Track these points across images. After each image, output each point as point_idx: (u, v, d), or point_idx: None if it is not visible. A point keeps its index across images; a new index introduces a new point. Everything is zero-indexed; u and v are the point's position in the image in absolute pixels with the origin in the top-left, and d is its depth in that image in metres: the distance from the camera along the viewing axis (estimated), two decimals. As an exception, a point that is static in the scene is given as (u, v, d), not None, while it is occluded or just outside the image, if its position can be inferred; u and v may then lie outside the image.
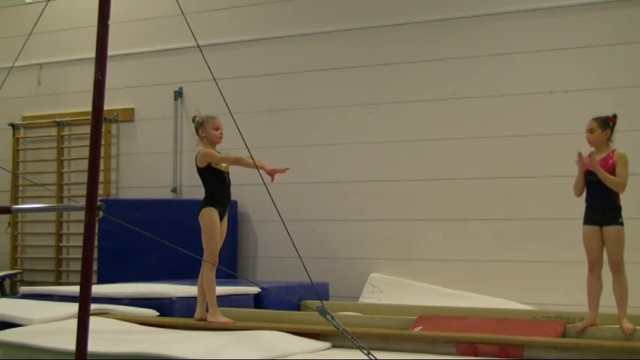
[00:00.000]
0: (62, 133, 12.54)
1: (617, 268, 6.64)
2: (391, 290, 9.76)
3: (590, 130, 6.80)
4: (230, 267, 10.38)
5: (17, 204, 12.16)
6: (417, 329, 7.05)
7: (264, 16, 11.12)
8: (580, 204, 6.89)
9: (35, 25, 4.86)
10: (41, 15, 5.11)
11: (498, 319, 7.45)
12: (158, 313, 7.72)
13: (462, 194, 9.79)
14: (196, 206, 10.26)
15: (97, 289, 7.94)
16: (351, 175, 10.42)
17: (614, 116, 6.85)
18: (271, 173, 6.83)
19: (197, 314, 7.30)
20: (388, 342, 6.50)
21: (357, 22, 10.51)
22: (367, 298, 9.84)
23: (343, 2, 10.68)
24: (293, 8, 10.94)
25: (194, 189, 11.26)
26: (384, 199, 10.21)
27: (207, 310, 7.23)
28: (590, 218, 6.75)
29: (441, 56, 10.03)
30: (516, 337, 6.31)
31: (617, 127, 6.86)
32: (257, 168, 6.13)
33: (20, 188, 12.92)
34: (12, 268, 12.54)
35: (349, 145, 10.45)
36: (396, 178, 10.15)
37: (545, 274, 9.22)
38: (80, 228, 10.81)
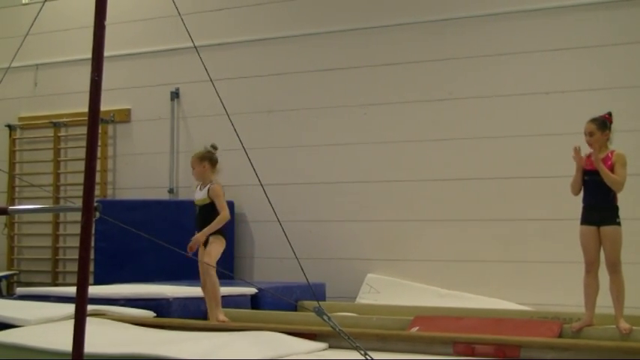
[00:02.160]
0: (59, 134, 12.52)
1: (614, 269, 6.64)
2: (388, 291, 9.76)
3: (590, 134, 6.75)
4: (227, 267, 10.37)
5: (14, 205, 12.15)
6: (414, 330, 7.06)
7: (261, 17, 11.12)
8: (577, 204, 6.89)
9: (32, 25, 4.85)
10: (38, 15, 5.10)
11: (495, 320, 7.45)
12: (155, 314, 7.72)
13: (458, 195, 9.79)
14: (193, 207, 10.32)
15: (94, 290, 7.97)
16: (348, 175, 10.41)
17: (610, 114, 6.84)
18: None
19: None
20: (385, 342, 6.51)
21: (353, 22, 10.51)
22: (364, 298, 9.83)
23: (339, 3, 10.68)
24: (290, 9, 10.94)
25: (190, 190, 11.25)
26: (381, 200, 10.21)
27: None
28: (587, 218, 6.74)
29: (437, 57, 10.03)
30: (513, 338, 6.33)
31: (616, 127, 6.85)
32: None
33: (17, 189, 12.90)
34: (9, 269, 12.52)
35: (346, 146, 10.45)
36: (392, 178, 10.14)
37: (542, 274, 9.22)
38: (77, 229, 10.80)
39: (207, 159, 7.65)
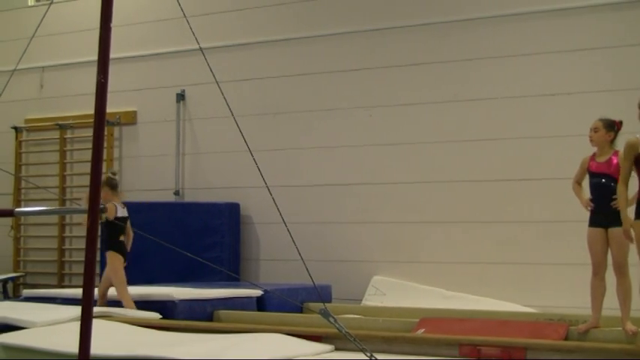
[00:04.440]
0: (65, 136, 12.54)
1: (621, 271, 6.62)
2: (394, 293, 9.75)
3: (595, 129, 6.80)
4: (233, 269, 10.38)
5: (20, 207, 12.17)
6: (420, 332, 7.05)
7: (267, 19, 11.13)
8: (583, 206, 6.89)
9: (38, 28, 4.86)
10: (44, 18, 5.11)
11: (501, 322, 7.44)
12: (161, 316, 7.73)
13: (464, 197, 9.78)
14: (199, 209, 10.30)
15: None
16: (354, 177, 10.41)
17: (621, 122, 6.84)
18: None
19: None
20: (391, 344, 6.49)
21: (359, 24, 10.50)
22: (370, 300, 9.83)
23: (345, 5, 10.68)
24: (295, 11, 10.94)
25: (196, 192, 11.29)
26: (387, 202, 10.20)
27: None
28: (595, 220, 6.73)
29: (442, 59, 10.02)
30: (519, 340, 6.31)
31: (623, 129, 6.85)
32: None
33: (23, 191, 12.92)
34: (15, 271, 12.54)
35: (352, 148, 10.44)
36: (398, 180, 10.14)
37: (548, 276, 9.21)
38: (83, 231, 10.83)
39: (107, 185, 8.31)
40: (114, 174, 8.65)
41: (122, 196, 8.75)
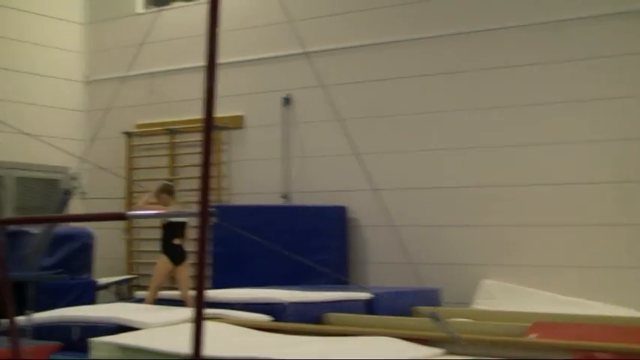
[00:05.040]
0: (174, 141, 12.77)
1: None
2: (504, 296, 9.59)
3: None
4: (341, 272, 10.39)
5: (132, 210, 12.44)
6: (532, 336, 6.91)
7: (373, 22, 11.10)
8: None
9: (147, 35, 4.95)
10: (153, 25, 5.20)
11: (616, 327, 7.24)
12: (272, 318, 7.78)
13: (577, 199, 9.55)
14: (306, 212, 10.38)
15: (211, 294, 8.09)
16: (463, 180, 10.28)
17: None
18: None
19: None
20: (502, 349, 6.38)
21: (466, 25, 10.37)
22: (480, 304, 9.69)
23: (448, 7, 10.56)
24: (400, 14, 10.88)
25: (304, 195, 11.34)
26: (497, 205, 10.04)
27: None
28: None
29: (556, 59, 9.79)
30: (635, 346, 6.12)
31: None
32: None
33: (134, 195, 13.21)
34: (128, 273, 12.85)
35: (459, 151, 10.32)
36: (508, 183, 9.97)
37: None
38: (193, 234, 11.00)
39: (165, 191, 9.33)
40: (169, 181, 9.63)
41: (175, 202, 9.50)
